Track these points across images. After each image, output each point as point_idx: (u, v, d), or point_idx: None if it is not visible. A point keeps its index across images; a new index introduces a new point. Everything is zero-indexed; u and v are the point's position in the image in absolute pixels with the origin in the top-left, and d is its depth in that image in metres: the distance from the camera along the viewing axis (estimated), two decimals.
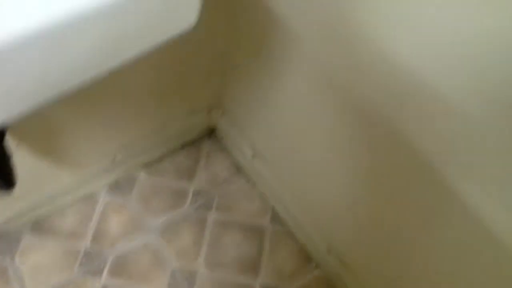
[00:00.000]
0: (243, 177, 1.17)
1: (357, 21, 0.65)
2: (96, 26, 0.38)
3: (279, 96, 0.94)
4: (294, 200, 1.06)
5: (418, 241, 0.76)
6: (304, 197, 1.03)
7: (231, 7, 0.92)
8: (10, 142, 0.77)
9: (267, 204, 1.14)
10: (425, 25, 0.57)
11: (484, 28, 0.51)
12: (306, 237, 1.07)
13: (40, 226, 1.07)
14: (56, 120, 0.90)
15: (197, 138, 1.21)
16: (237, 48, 0.99)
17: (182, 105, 1.11)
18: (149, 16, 0.41)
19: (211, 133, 1.22)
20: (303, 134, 0.93)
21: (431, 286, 0.78)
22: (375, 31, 0.63)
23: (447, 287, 0.75)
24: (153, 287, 1.02)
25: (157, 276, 1.03)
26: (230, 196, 1.15)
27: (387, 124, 0.70)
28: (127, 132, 1.06)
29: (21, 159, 0.83)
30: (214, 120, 1.19)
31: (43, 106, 0.42)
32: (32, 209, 1.05)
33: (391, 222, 0.81)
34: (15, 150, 0.82)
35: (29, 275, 1.01)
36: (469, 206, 0.62)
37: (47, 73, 0.39)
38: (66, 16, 0.35)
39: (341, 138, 0.83)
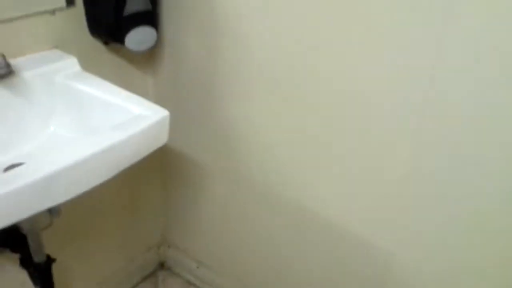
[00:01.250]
0: None
1: None
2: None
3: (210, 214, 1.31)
4: None
5: None
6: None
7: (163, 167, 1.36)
8: None
9: None
10: None
11: None
12: None
13: None
14: None
15: (153, 271, 1.51)
16: (170, 195, 1.40)
17: (139, 244, 1.45)
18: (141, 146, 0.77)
19: (162, 265, 1.53)
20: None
21: None
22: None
23: None
24: None
25: None
26: None
27: None
28: (102, 271, 1.35)
29: None
30: (163, 255, 1.52)
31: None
32: None
33: None
34: None
35: None
36: None
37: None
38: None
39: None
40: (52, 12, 0.94)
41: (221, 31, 1.02)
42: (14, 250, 0.93)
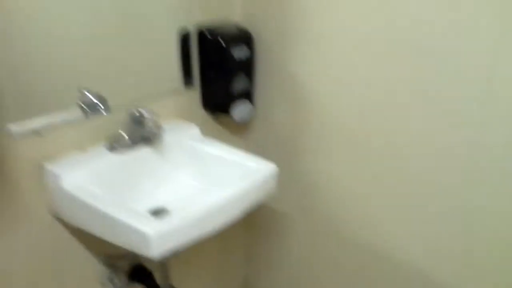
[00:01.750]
0: None
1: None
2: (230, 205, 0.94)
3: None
4: None
5: None
6: None
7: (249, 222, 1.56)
8: None
9: None
10: None
11: None
12: None
13: None
14: None
15: None
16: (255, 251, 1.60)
17: None
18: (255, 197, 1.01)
19: None
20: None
21: None
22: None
23: None
24: None
25: None
26: None
27: None
28: None
29: None
30: None
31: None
32: None
33: None
34: None
35: None
36: None
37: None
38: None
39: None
40: (177, 91, 1.21)
41: (303, 102, 1.26)
42: (144, 283, 1.13)
